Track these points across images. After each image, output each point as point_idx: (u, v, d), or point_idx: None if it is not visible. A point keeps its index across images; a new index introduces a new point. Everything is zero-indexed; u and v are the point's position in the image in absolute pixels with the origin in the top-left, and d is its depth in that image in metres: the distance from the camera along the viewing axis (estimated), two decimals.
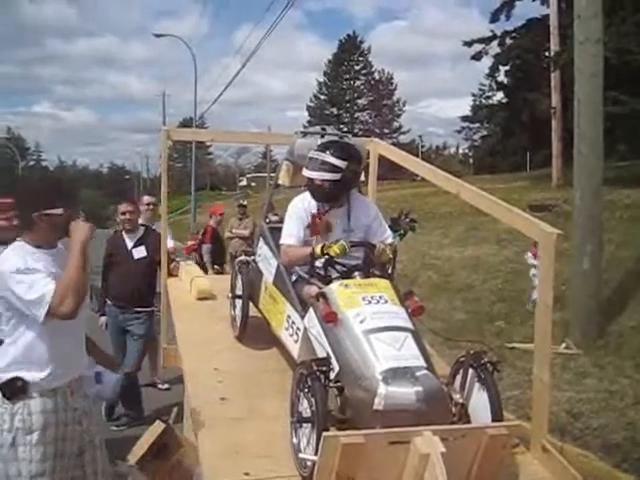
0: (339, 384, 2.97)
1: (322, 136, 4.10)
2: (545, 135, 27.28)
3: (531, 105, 30.93)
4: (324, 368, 2.87)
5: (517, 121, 34.04)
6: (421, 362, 2.96)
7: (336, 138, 4.04)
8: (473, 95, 50.59)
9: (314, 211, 3.67)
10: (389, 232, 3.81)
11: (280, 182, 4.30)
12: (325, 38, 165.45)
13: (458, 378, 3.24)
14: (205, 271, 9.66)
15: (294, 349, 3.52)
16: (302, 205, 3.73)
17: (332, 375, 2.94)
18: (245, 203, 13.02)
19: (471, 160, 60.58)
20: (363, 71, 63.43)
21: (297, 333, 3.49)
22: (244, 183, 68.31)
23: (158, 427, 3.96)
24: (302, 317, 3.44)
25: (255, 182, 63.76)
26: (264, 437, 3.16)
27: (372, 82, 63.39)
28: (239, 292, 4.20)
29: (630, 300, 8.92)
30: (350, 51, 62.56)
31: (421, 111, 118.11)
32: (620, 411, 5.80)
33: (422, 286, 11.27)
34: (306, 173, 3.65)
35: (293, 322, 3.55)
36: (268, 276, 3.95)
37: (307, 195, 3.77)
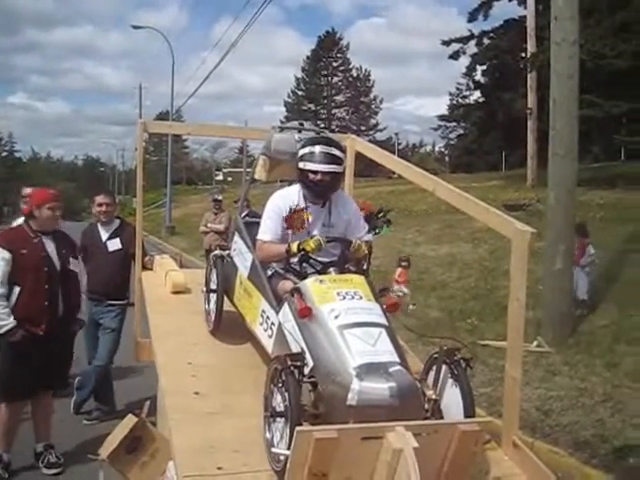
0: (313, 379, 2.97)
1: (299, 131, 4.09)
2: (521, 135, 27.53)
3: (507, 105, 31.25)
4: (298, 363, 2.87)
5: (493, 121, 34.36)
6: (395, 358, 2.98)
7: (314, 134, 4.04)
8: (450, 94, 50.95)
9: (293, 206, 3.65)
10: (366, 228, 3.82)
11: (256, 177, 4.28)
12: (304, 34, 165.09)
13: (431, 374, 3.26)
14: None
15: (268, 344, 3.52)
16: (281, 201, 3.70)
17: (306, 370, 2.93)
18: (220, 198, 13.00)
19: (447, 158, 60.94)
20: (341, 68, 63.51)
21: (272, 328, 3.48)
22: (220, 177, 68.23)
23: (130, 421, 3.95)
24: (277, 312, 3.43)
25: (231, 177, 63.74)
26: (238, 432, 3.15)
27: (350, 79, 63.49)
28: (214, 286, 4.18)
29: (601, 300, 9.05)
30: (329, 47, 62.57)
31: (398, 109, 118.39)
32: (590, 408, 5.89)
33: None
34: (308, 166, 3.56)
35: (268, 317, 3.54)
36: (243, 271, 3.94)
37: (287, 191, 3.75)
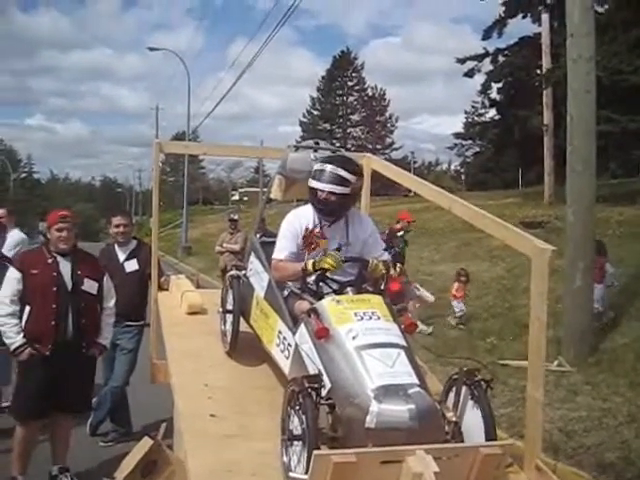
0: (330, 401, 2.92)
1: (315, 150, 4.07)
2: (537, 152, 27.42)
3: (523, 122, 31.09)
4: (315, 385, 2.82)
5: (509, 138, 34.19)
6: (414, 379, 2.93)
7: (329, 152, 4.02)
8: (466, 112, 50.96)
9: (310, 226, 3.62)
10: (383, 247, 3.78)
11: (272, 196, 4.27)
12: (318, 54, 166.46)
13: (451, 396, 3.21)
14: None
15: (285, 365, 3.47)
16: (297, 220, 3.68)
17: (323, 392, 2.89)
18: (236, 217, 12.99)
19: (463, 177, 60.84)
20: (356, 87, 63.62)
21: (288, 349, 3.44)
22: (236, 197, 68.49)
23: (146, 443, 3.91)
24: (293, 333, 3.39)
25: (247, 196, 63.89)
26: (254, 455, 3.10)
27: (365, 98, 63.61)
28: (230, 307, 4.15)
29: (623, 317, 8.91)
30: (344, 67, 62.80)
31: (413, 127, 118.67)
32: (614, 429, 5.76)
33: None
34: (313, 184, 3.57)
35: (284, 338, 3.51)
36: (259, 291, 3.91)
37: (303, 210, 3.73)
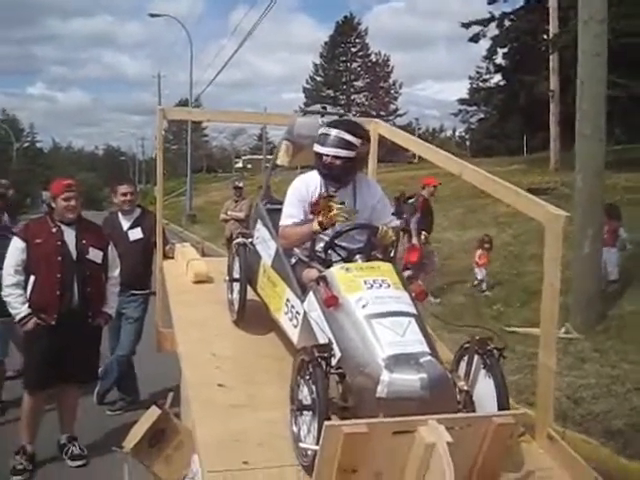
0: (340, 371, 2.87)
1: (322, 115, 3.98)
2: (542, 118, 27.17)
3: (529, 88, 30.74)
4: (325, 354, 2.77)
5: (515, 104, 33.84)
6: (425, 348, 2.88)
7: (337, 117, 3.93)
8: (470, 78, 50.16)
9: (317, 192, 3.54)
10: (393, 215, 3.69)
11: (279, 162, 4.17)
12: (321, 20, 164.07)
13: (462, 365, 3.16)
14: (410, 238, 9.46)
15: (293, 334, 3.42)
16: (304, 186, 3.60)
17: (333, 361, 2.84)
18: (241, 185, 12.88)
19: (468, 143, 60.39)
20: (360, 53, 62.96)
21: (297, 317, 3.39)
22: (240, 165, 68.25)
23: (154, 413, 3.87)
24: (302, 301, 3.33)
25: (251, 164, 63.69)
26: (263, 425, 3.07)
27: (369, 64, 62.95)
28: (236, 275, 4.09)
29: (630, 284, 8.86)
30: (347, 33, 62.06)
31: (417, 93, 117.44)
32: (622, 396, 5.74)
33: None
34: (318, 149, 3.49)
35: (292, 306, 3.45)
36: (266, 259, 3.84)
37: (309, 175, 3.65)
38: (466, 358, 3.14)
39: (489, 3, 29.33)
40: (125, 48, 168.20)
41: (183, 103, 40.90)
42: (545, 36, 28.37)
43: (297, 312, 3.38)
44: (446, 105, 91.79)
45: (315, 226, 3.36)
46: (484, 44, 31.45)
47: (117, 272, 4.99)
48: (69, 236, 4.69)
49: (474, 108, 48.55)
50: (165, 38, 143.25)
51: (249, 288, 4.01)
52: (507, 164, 25.50)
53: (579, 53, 7.47)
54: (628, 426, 5.19)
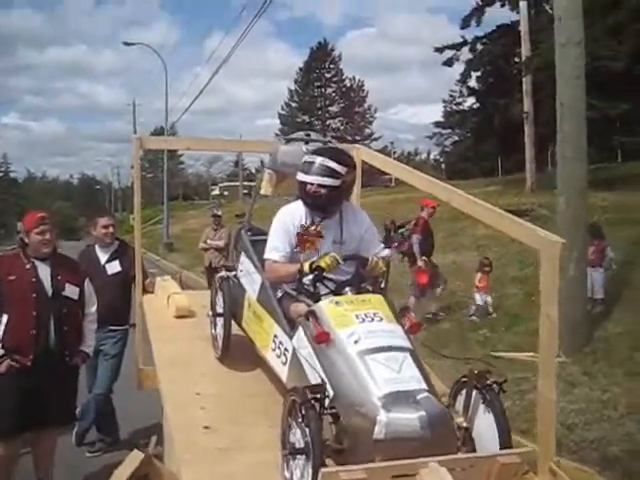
0: (334, 411, 2.73)
1: (306, 142, 3.87)
2: (516, 140, 27.40)
3: (503, 110, 31.00)
4: (319, 395, 2.63)
5: (489, 126, 34.12)
6: (422, 384, 2.76)
7: (321, 144, 3.82)
8: (444, 101, 50.74)
9: (303, 222, 3.42)
10: (382, 244, 3.59)
11: (262, 191, 4.04)
12: (295, 47, 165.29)
13: (460, 399, 3.04)
14: (414, 261, 9.49)
15: (282, 372, 3.28)
16: (289, 217, 3.48)
17: (326, 401, 2.70)
18: (219, 213, 12.73)
19: (443, 166, 60.80)
20: (334, 78, 63.26)
21: (285, 354, 3.25)
22: (216, 192, 68.00)
23: (137, 457, 3.71)
24: (290, 337, 3.20)
25: (228, 191, 63.49)
26: (251, 468, 2.94)
27: (343, 89, 63.29)
28: (220, 310, 3.95)
29: (615, 304, 8.81)
30: (321, 59, 62.41)
31: (391, 118, 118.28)
32: (615, 422, 5.63)
33: (404, 294, 11.08)
34: (302, 177, 3.38)
35: (280, 342, 3.31)
36: (251, 293, 3.70)
37: (295, 206, 3.53)
38: (464, 392, 3.02)
39: (462, 28, 29.58)
40: (100, 77, 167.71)
41: (158, 131, 40.87)
42: (517, 59, 28.69)
43: (286, 349, 3.24)
44: (420, 129, 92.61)
45: (305, 268, 3.23)
46: (457, 68, 31.73)
47: (94, 308, 4.79)
48: (44, 272, 4.48)
49: (448, 131, 49.09)
50: (140, 66, 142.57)
51: (233, 323, 3.87)
52: (483, 186, 25.65)
53: (558, 76, 7.47)
54: (624, 453, 5.07)
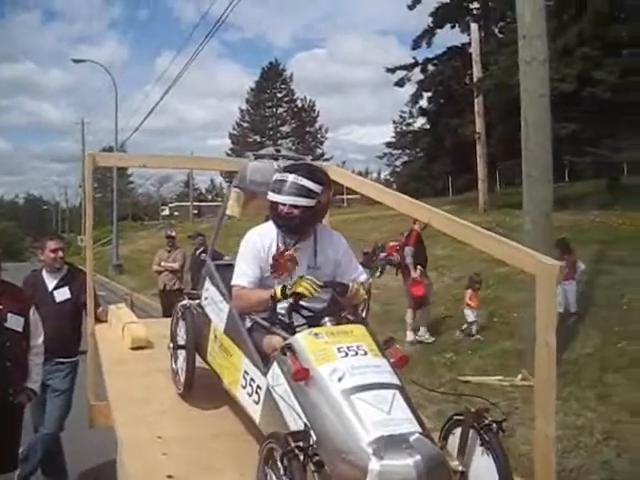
0: (317, 458, 2.42)
1: (276, 159, 3.57)
2: (468, 160, 27.67)
3: (454, 131, 31.39)
4: (303, 444, 2.32)
5: (440, 146, 34.51)
6: (415, 426, 2.48)
7: (292, 161, 3.53)
8: (394, 122, 51.10)
9: (274, 247, 3.11)
10: (360, 268, 3.29)
11: (229, 212, 3.70)
12: (246, 67, 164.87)
13: (452, 439, 2.76)
14: (408, 273, 9.32)
15: (254, 411, 2.95)
16: (259, 240, 3.16)
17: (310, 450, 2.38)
18: (174, 234, 12.30)
19: (394, 185, 61.20)
20: (286, 98, 63.31)
21: (258, 392, 2.92)
22: (166, 212, 67.00)
23: None
24: (264, 373, 2.87)
25: (178, 211, 62.60)
26: None
27: (295, 109, 63.35)
28: (182, 342, 3.60)
29: (579, 325, 8.70)
30: (272, 79, 62.40)
31: (342, 138, 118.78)
32: (592, 449, 5.44)
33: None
34: (273, 197, 3.07)
35: (252, 379, 2.98)
36: (218, 323, 3.36)
37: (265, 228, 3.22)
38: (457, 432, 2.74)
39: (413, 48, 29.91)
40: (47, 95, 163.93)
41: (108, 150, 39.92)
42: (468, 80, 29.07)
43: (258, 386, 2.92)
44: (370, 149, 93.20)
45: (278, 294, 2.92)
46: (408, 89, 32.01)
47: (40, 340, 4.35)
48: None
49: (399, 152, 49.50)
50: (89, 85, 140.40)
51: (197, 356, 3.52)
52: (436, 205, 25.11)
53: (522, 94, 7.37)
54: None
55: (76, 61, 34.49)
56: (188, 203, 54.75)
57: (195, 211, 52.47)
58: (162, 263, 11.53)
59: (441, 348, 8.99)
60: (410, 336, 9.51)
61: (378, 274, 2.82)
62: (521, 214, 9.47)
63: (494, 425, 2.60)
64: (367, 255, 2.93)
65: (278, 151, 3.72)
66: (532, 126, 7.16)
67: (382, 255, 2.82)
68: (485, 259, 12.07)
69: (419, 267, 9.32)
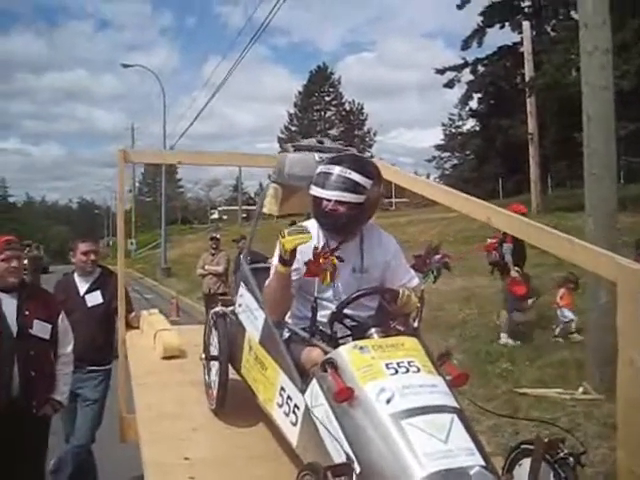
0: None
1: (319, 150, 3.23)
2: (519, 161, 27.00)
3: (505, 132, 30.72)
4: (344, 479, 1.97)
5: (491, 148, 33.83)
6: (477, 458, 2.10)
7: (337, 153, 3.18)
8: (443, 125, 50.38)
9: (316, 247, 2.75)
10: (412, 272, 2.92)
11: (266, 210, 3.36)
12: (293, 71, 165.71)
13: (520, 472, 2.37)
14: (507, 272, 9.06)
15: (292, 434, 2.61)
16: None
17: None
18: (218, 236, 12.10)
19: None
20: (334, 102, 63.11)
21: (295, 413, 2.58)
22: (215, 216, 67.47)
23: None
24: (302, 391, 2.53)
25: (227, 215, 62.94)
26: None
27: (343, 113, 63.09)
28: (215, 352, 3.28)
29: None
30: (320, 82, 62.28)
31: (390, 142, 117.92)
32: None
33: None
34: (316, 192, 2.74)
35: (289, 397, 2.64)
36: (253, 333, 3.03)
37: (306, 226, 2.89)
38: (525, 463, 2.35)
39: (462, 49, 29.45)
40: (99, 102, 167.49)
41: None
42: (519, 80, 28.37)
43: (296, 406, 2.58)
44: (418, 152, 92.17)
45: (277, 264, 2.66)
46: (455, 92, 31.60)
47: (70, 348, 4.09)
48: (9, 306, 3.80)
49: (447, 154, 48.84)
50: (138, 91, 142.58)
51: (231, 368, 3.20)
52: None
53: (583, 87, 6.88)
54: None
55: (125, 66, 34.99)
56: (237, 207, 54.91)
57: (244, 215, 52.57)
58: (206, 267, 11.32)
59: (494, 357, 8.50)
60: (504, 338, 9.07)
61: (433, 279, 2.52)
62: (578, 216, 8.94)
63: (571, 459, 2.21)
64: (419, 258, 2.59)
65: (321, 142, 3.37)
66: (594, 121, 6.66)
67: (437, 257, 2.52)
68: (541, 263, 11.57)
69: (517, 268, 8.98)
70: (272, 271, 2.77)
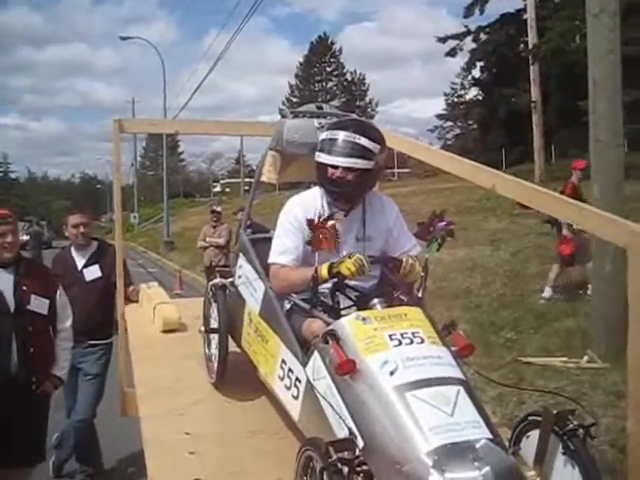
0: (365, 467, 2.02)
1: (318, 116, 3.13)
2: (522, 130, 26.77)
3: (508, 100, 30.46)
4: (348, 455, 1.91)
5: (494, 117, 33.56)
6: (484, 430, 2.04)
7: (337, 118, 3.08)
8: (445, 94, 49.87)
9: (320, 216, 2.65)
10: (414, 239, 2.83)
11: (264, 179, 3.27)
12: (294, 42, 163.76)
13: (527, 443, 2.30)
14: (560, 230, 8.86)
15: (293, 407, 2.55)
16: (301, 210, 2.73)
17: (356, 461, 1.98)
18: (219, 209, 12.01)
19: None
20: (335, 72, 62.60)
21: (297, 386, 2.52)
22: (218, 189, 67.31)
23: None
24: (303, 364, 2.46)
25: (229, 188, 62.77)
26: None
27: (344, 83, 62.60)
28: (214, 325, 3.22)
29: None
30: (321, 53, 61.72)
31: (393, 112, 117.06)
32: None
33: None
34: (322, 159, 2.64)
35: (290, 370, 2.58)
36: (253, 305, 2.96)
37: (308, 196, 2.80)
38: (532, 435, 2.29)
39: (465, 17, 29.04)
40: (99, 75, 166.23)
41: None
42: (522, 47, 28.04)
43: (297, 379, 2.51)
44: (421, 122, 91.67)
45: (324, 273, 2.51)
46: (458, 61, 31.24)
47: (69, 323, 4.01)
48: (5, 282, 3.72)
49: (450, 124, 48.46)
50: (138, 65, 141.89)
51: (231, 341, 3.14)
52: None
53: (589, 50, 6.72)
54: None
55: (123, 38, 34.56)
56: (239, 180, 54.71)
57: (246, 187, 52.38)
58: (207, 239, 11.27)
59: (498, 326, 8.44)
60: (548, 292, 9.03)
61: (437, 247, 2.42)
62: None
63: (580, 431, 2.14)
64: (422, 225, 2.48)
65: (320, 108, 3.26)
66: (600, 86, 6.51)
67: (441, 224, 2.42)
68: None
69: (571, 227, 8.81)
70: (308, 273, 2.58)
